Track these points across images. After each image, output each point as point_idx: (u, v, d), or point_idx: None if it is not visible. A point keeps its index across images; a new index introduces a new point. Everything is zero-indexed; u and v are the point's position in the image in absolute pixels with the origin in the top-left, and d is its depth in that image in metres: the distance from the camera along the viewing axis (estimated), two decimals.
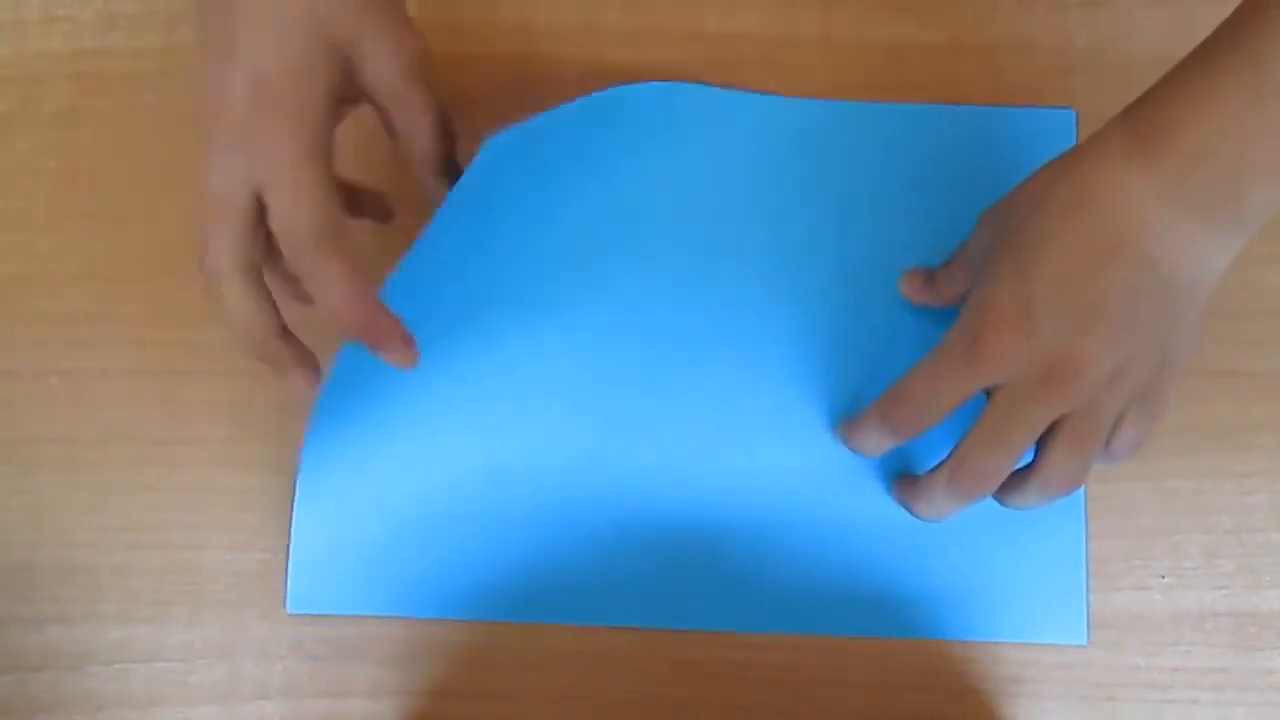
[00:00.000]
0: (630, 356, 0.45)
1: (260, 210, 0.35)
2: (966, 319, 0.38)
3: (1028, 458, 0.39)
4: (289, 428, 0.46)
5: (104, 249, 0.48)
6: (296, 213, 0.34)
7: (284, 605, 0.45)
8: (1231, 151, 0.34)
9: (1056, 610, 0.44)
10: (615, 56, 0.49)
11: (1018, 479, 0.39)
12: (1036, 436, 0.38)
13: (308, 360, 0.39)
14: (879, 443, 0.41)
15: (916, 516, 0.42)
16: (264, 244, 0.36)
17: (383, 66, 0.36)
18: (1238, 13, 0.35)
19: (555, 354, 0.45)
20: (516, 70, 0.49)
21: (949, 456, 0.39)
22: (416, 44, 0.37)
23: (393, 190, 0.46)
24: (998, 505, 0.40)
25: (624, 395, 0.45)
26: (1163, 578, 0.45)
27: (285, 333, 0.38)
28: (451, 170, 0.40)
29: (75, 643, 0.45)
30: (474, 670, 0.45)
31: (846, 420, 0.43)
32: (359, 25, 0.35)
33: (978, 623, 0.44)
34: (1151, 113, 0.36)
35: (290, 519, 0.45)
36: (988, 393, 0.39)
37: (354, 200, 0.43)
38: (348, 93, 0.36)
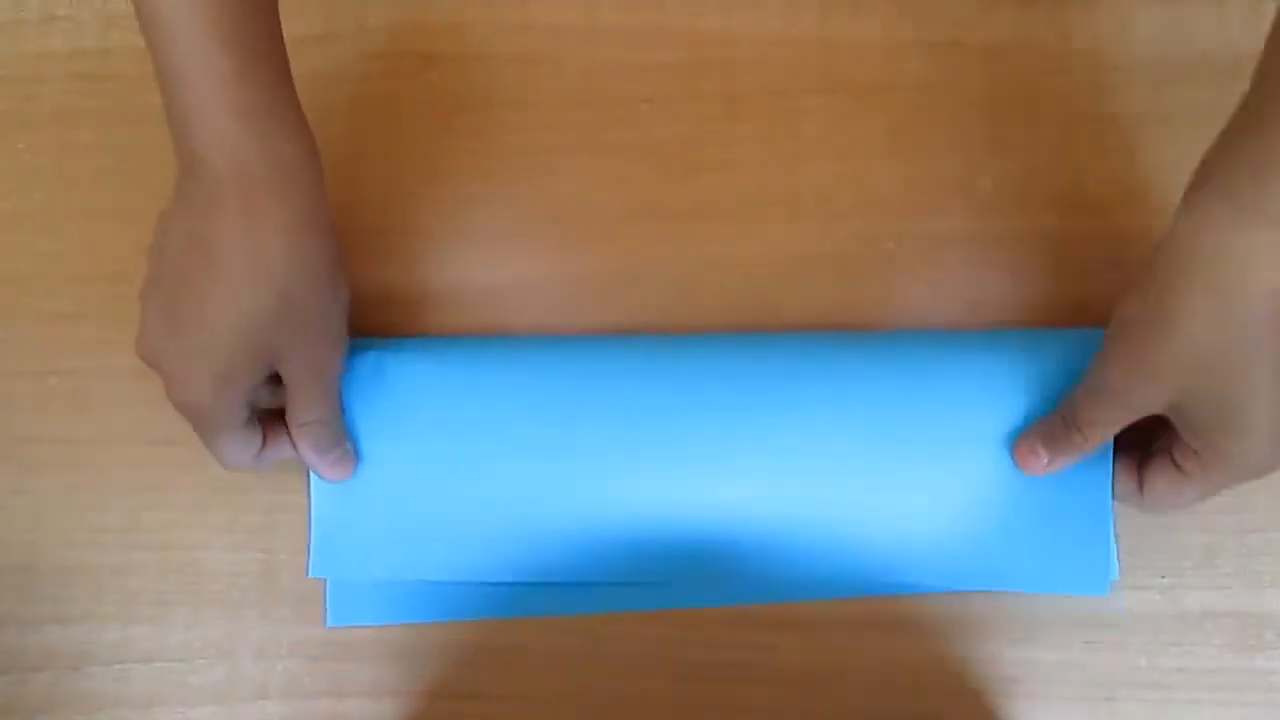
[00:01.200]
0: (641, 362, 0.45)
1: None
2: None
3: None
4: None
5: (104, 249, 0.48)
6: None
7: (284, 607, 0.45)
8: None
9: (1081, 562, 0.44)
10: (615, 56, 0.49)
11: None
12: None
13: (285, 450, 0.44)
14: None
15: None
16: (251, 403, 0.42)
17: (293, 371, 0.41)
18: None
19: (562, 364, 0.46)
20: (517, 70, 0.49)
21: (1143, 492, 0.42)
22: (329, 360, 0.42)
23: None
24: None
25: (633, 394, 0.45)
26: (1163, 578, 0.45)
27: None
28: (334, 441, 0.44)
29: (74, 643, 0.45)
30: (473, 671, 0.45)
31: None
32: (285, 341, 0.40)
33: (1002, 574, 0.44)
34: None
35: (298, 514, 0.45)
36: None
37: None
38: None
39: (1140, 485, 0.42)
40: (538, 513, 0.44)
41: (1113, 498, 0.43)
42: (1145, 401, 0.39)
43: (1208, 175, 0.36)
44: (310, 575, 0.45)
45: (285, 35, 0.39)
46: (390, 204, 0.48)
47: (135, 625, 0.45)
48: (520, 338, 0.47)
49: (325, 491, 0.45)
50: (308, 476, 0.45)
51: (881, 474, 0.44)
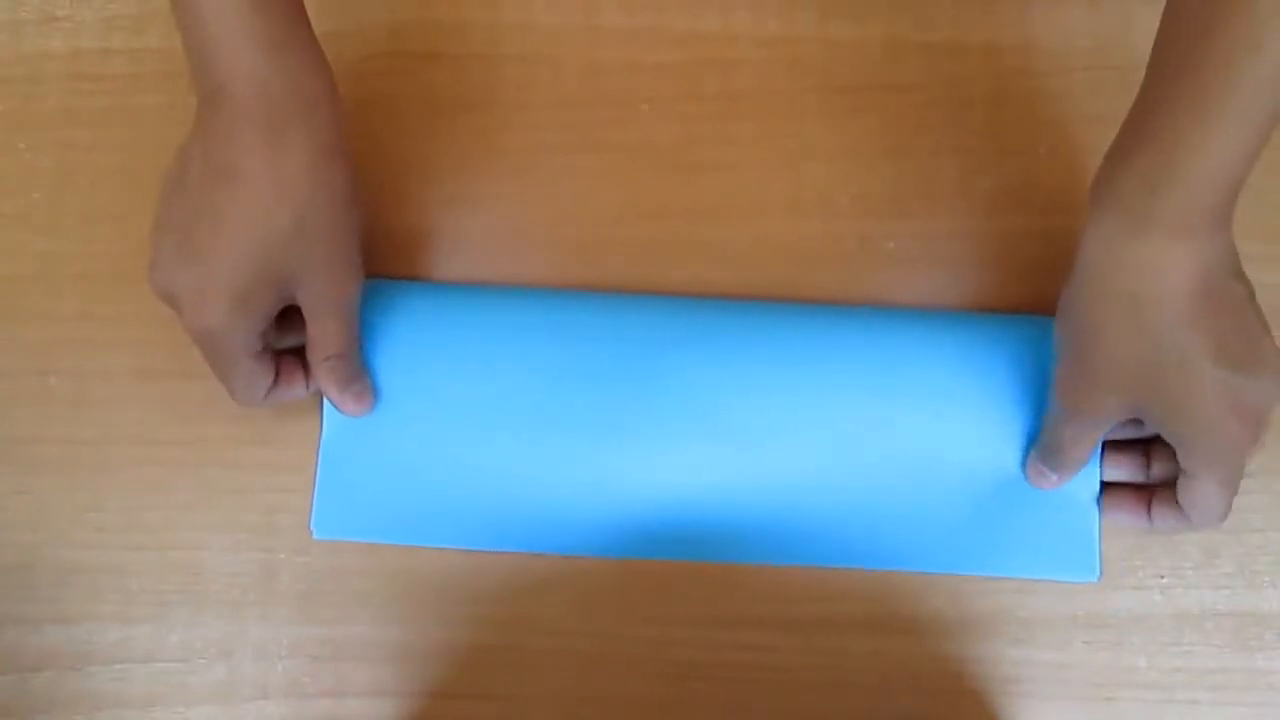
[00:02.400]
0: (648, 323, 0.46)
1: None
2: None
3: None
4: (289, 428, 0.46)
5: (104, 249, 0.48)
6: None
7: (284, 607, 0.45)
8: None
9: (1069, 550, 0.45)
10: (615, 56, 0.49)
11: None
12: None
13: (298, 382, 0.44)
14: None
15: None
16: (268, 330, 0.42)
17: (312, 300, 0.41)
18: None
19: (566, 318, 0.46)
20: (517, 70, 0.49)
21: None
22: (347, 288, 0.42)
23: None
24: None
25: (638, 356, 0.46)
26: (1162, 578, 0.45)
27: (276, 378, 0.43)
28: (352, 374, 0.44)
29: (74, 643, 0.45)
30: (473, 671, 0.45)
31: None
32: (305, 267, 0.40)
33: (993, 559, 0.45)
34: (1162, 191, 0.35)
35: (299, 515, 0.45)
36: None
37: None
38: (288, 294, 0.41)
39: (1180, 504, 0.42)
40: (544, 472, 0.45)
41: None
42: (1106, 414, 0.40)
43: (1101, 191, 0.37)
44: (316, 536, 0.45)
45: None
46: (390, 204, 0.48)
47: (135, 625, 0.45)
48: (535, 291, 0.47)
49: (333, 450, 0.45)
50: (321, 431, 0.45)
51: (877, 452, 0.45)
